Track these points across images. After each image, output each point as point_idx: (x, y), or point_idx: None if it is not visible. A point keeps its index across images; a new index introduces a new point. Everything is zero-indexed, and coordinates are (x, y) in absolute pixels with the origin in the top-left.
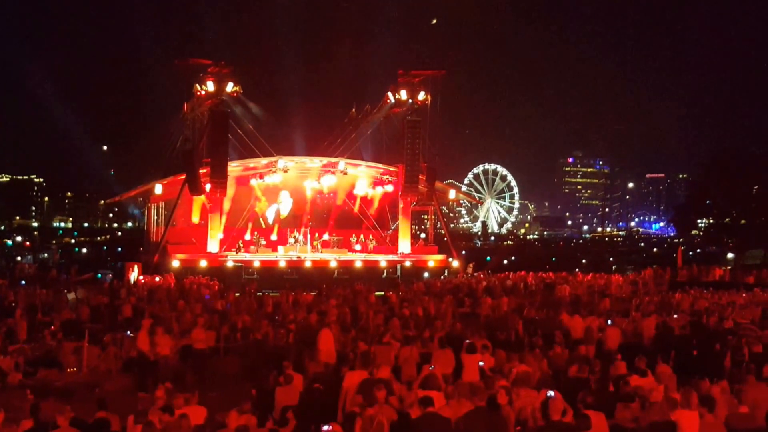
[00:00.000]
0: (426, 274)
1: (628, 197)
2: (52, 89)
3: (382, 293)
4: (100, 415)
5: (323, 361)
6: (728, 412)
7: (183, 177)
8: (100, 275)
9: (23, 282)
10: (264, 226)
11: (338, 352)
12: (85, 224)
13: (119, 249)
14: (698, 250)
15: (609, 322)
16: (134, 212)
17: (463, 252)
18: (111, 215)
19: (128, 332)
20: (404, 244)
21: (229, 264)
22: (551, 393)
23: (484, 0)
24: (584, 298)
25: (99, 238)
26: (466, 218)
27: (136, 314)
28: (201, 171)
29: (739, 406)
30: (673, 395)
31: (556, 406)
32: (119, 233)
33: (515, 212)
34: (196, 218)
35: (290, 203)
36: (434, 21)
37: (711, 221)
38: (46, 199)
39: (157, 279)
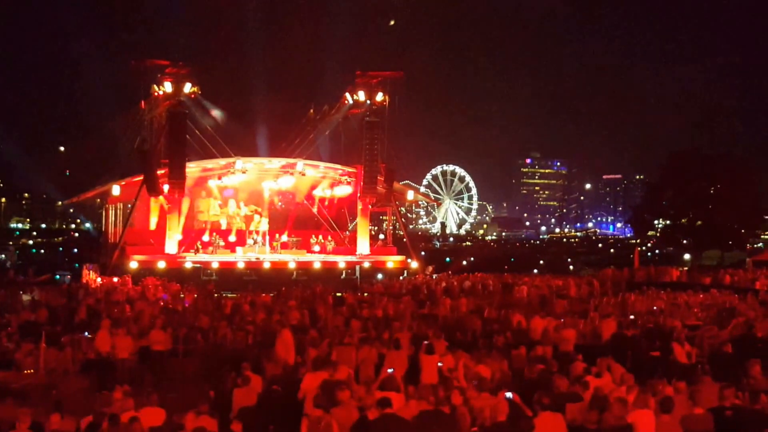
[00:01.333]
0: (379, 275)
1: (583, 198)
2: (6, 89)
3: (341, 294)
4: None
5: (282, 362)
6: (684, 413)
7: (141, 178)
8: (58, 276)
9: None
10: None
11: (297, 353)
12: (43, 225)
13: (75, 250)
14: (657, 251)
15: (562, 321)
16: (82, 218)
17: (423, 253)
18: (68, 217)
19: (86, 333)
20: (363, 245)
21: (188, 265)
22: (509, 394)
23: (442, 2)
24: (547, 298)
25: (57, 239)
26: (425, 219)
27: (93, 316)
28: (159, 172)
29: (694, 407)
30: (629, 396)
31: (502, 407)
32: (77, 234)
33: (473, 213)
34: (154, 220)
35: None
36: (392, 22)
37: (667, 222)
38: (3, 200)
39: (115, 280)
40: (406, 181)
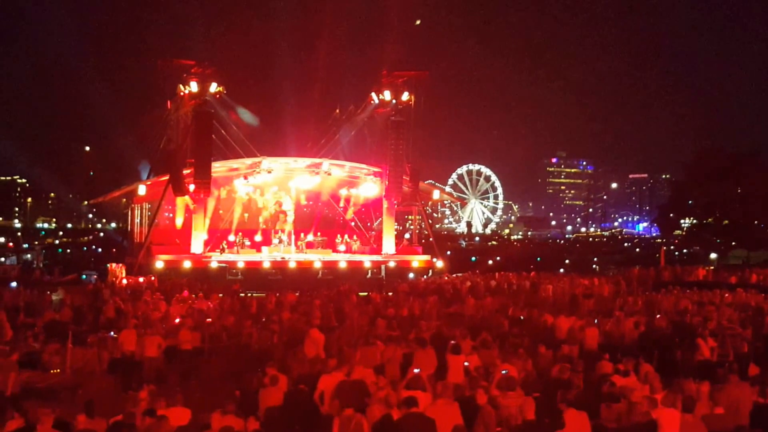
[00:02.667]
0: (411, 275)
1: (609, 198)
2: (34, 90)
3: (366, 294)
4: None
5: (309, 361)
6: (705, 412)
7: (166, 178)
8: (84, 276)
9: (14, 284)
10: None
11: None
12: (69, 225)
13: (99, 249)
14: (685, 251)
15: (596, 321)
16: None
17: (448, 252)
18: (91, 216)
19: (111, 333)
20: (388, 245)
21: (213, 265)
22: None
23: (468, 2)
24: (577, 297)
25: (83, 239)
26: (451, 219)
27: (119, 315)
28: (185, 171)
29: (715, 407)
30: (655, 395)
31: (530, 406)
32: (101, 234)
33: (499, 212)
34: (180, 219)
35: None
36: (418, 22)
37: (694, 221)
38: (29, 200)
39: (141, 280)
40: (429, 181)
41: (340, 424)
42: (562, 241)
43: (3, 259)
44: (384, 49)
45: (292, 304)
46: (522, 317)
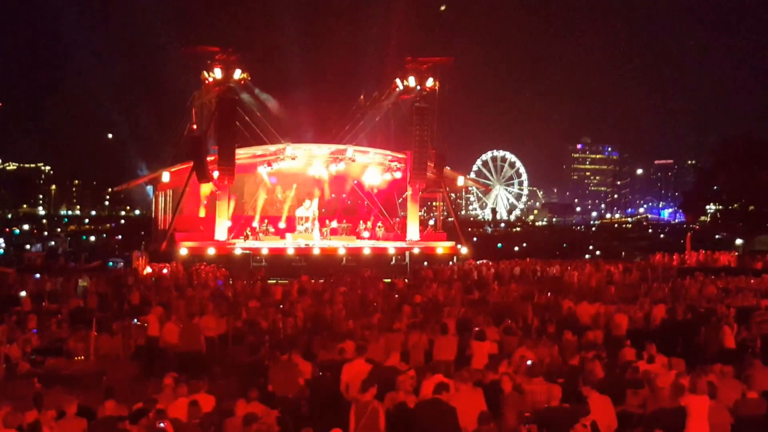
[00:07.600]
0: (426, 263)
1: (634, 183)
2: (58, 77)
3: (390, 280)
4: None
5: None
6: (737, 397)
7: (191, 164)
8: (111, 263)
9: (38, 274)
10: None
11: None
12: (93, 212)
13: (119, 236)
14: (717, 237)
15: (618, 309)
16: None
17: (475, 239)
18: (108, 202)
19: (135, 320)
20: (413, 231)
21: (237, 251)
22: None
23: None
24: (602, 284)
25: (107, 225)
26: (475, 205)
27: (143, 302)
28: (209, 158)
29: (749, 391)
30: (681, 381)
31: (556, 393)
32: (122, 221)
33: (524, 199)
34: (203, 208)
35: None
36: (443, 7)
37: (719, 207)
38: (53, 187)
39: (165, 271)
40: (448, 168)
41: (356, 409)
42: (583, 227)
43: (28, 246)
44: (409, 35)
45: (317, 291)
46: (547, 304)
